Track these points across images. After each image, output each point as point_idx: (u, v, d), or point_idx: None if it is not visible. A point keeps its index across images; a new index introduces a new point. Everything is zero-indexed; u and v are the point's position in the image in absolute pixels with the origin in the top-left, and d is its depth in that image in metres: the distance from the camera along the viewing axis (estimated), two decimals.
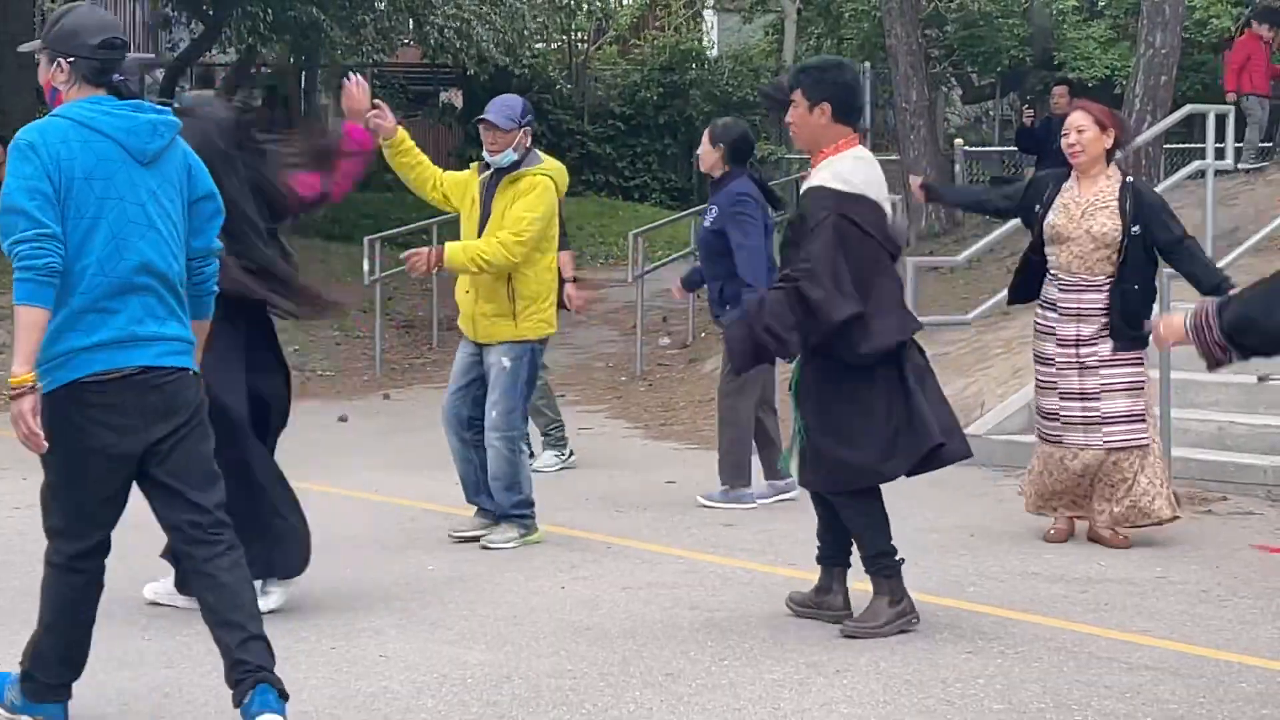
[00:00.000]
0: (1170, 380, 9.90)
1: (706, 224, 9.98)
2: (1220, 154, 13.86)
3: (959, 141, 25.16)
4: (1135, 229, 8.57)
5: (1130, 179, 8.79)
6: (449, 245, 8.60)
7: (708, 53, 33.56)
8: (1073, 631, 6.96)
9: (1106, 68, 27.32)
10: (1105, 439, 8.65)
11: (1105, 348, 8.62)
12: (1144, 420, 8.70)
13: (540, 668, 6.42)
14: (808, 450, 7.03)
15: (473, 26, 24.17)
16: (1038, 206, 8.81)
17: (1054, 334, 8.72)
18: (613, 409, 14.85)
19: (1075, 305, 8.66)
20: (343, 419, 13.92)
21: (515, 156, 8.70)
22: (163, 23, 28.00)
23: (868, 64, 31.72)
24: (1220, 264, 11.99)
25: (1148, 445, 8.71)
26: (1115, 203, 8.62)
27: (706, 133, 10.14)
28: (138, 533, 9.18)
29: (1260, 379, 11.20)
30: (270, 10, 22.76)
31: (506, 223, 8.59)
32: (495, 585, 7.87)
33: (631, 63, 32.91)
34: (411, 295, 20.89)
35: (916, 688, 6.14)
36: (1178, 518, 8.80)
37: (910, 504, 9.95)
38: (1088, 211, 8.62)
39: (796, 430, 7.10)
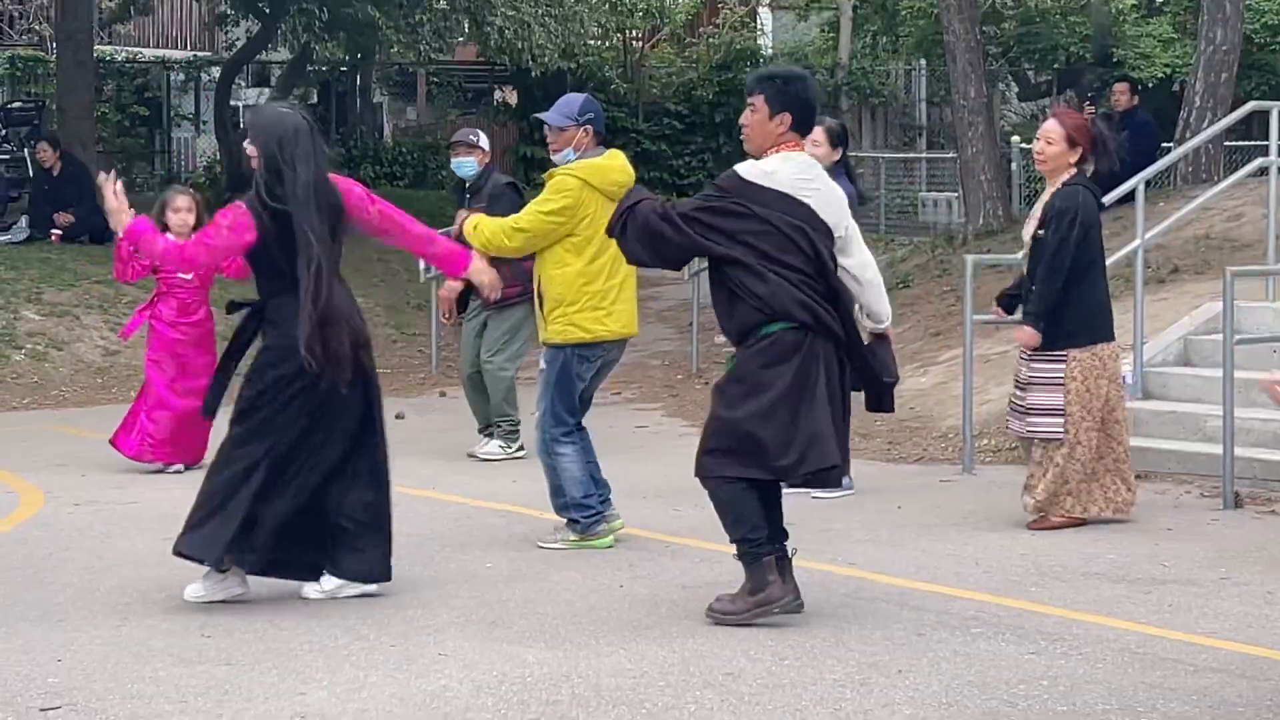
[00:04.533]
0: (1233, 379, 9.79)
1: None
2: None
3: (1015, 139, 24.99)
4: (1040, 231, 9.02)
5: (1069, 185, 9.02)
6: (471, 220, 8.73)
7: (763, 51, 33.48)
8: (1137, 633, 6.89)
9: (1166, 66, 27.18)
10: (1027, 427, 9.17)
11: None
12: (1062, 415, 9.06)
13: (600, 667, 6.39)
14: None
15: (531, 30, 24.16)
16: None
17: None
18: (669, 407, 14.80)
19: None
20: (399, 416, 13.92)
21: (574, 155, 8.56)
22: (219, 21, 28.09)
23: (924, 60, 31.67)
24: None
25: (1061, 440, 9.06)
26: (1050, 212, 9.05)
27: (823, 132, 10.06)
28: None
29: None
30: (326, 9, 22.79)
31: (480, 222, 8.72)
32: (554, 584, 7.84)
33: (687, 61, 32.86)
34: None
35: (979, 689, 6.09)
36: (1084, 521, 9.12)
37: (966, 505, 9.89)
38: (1033, 216, 9.19)
39: None
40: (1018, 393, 9.22)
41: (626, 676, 6.26)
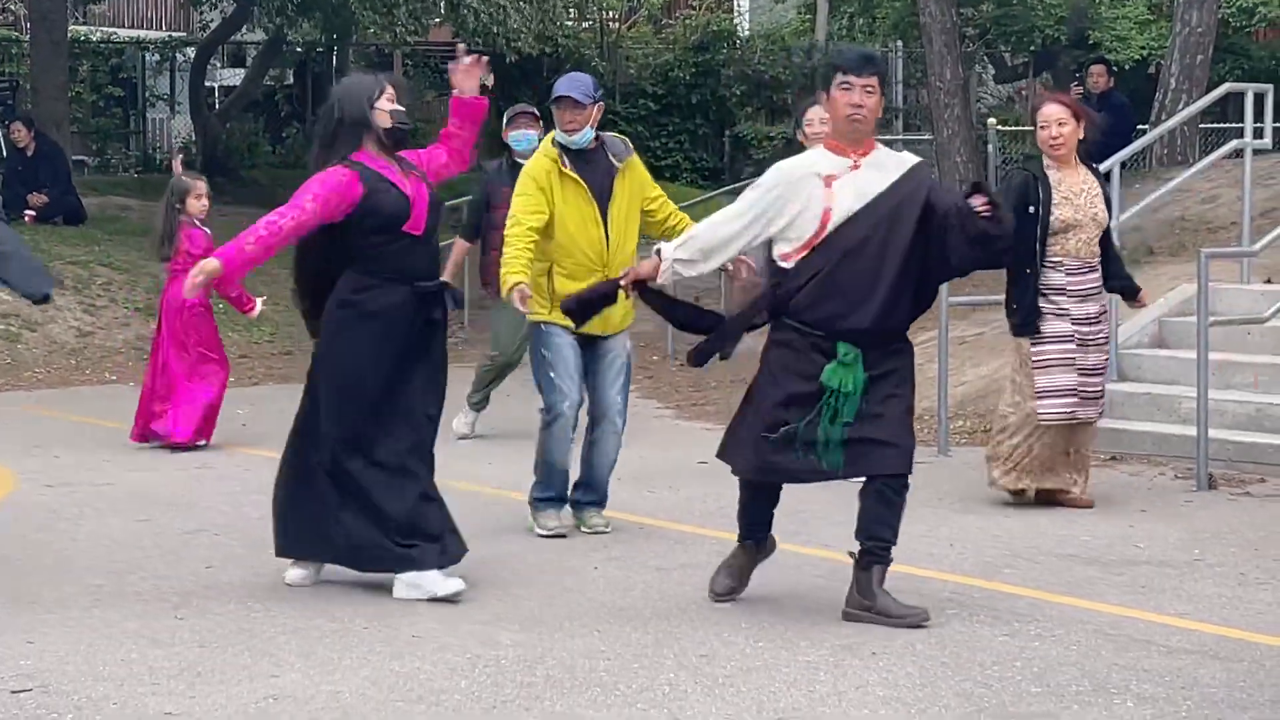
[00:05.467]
0: (1208, 361, 9.81)
1: None
2: (1259, 133, 13.72)
3: (992, 121, 24.99)
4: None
5: (1092, 165, 9.32)
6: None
7: (740, 32, 33.44)
8: (1110, 614, 6.89)
9: (1142, 48, 27.17)
10: (1100, 411, 9.34)
11: (1105, 325, 9.25)
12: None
13: (574, 649, 6.38)
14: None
15: (507, 14, 24.08)
16: (1031, 207, 8.93)
17: (1068, 313, 9.03)
18: (644, 389, 14.80)
19: (1083, 287, 9.07)
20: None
21: (593, 134, 8.38)
22: (194, 1, 27.98)
23: (900, 42, 31.64)
24: (1259, 243, 12.00)
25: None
26: (1099, 190, 9.13)
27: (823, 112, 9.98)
28: (173, 510, 9.20)
29: None
30: None
31: (670, 207, 8.53)
32: (528, 566, 7.83)
33: (663, 42, 32.81)
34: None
35: (953, 670, 6.09)
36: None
37: (941, 486, 9.90)
38: (1089, 199, 9.04)
39: (841, 418, 6.72)
40: (1088, 379, 9.08)
41: (600, 658, 6.25)
